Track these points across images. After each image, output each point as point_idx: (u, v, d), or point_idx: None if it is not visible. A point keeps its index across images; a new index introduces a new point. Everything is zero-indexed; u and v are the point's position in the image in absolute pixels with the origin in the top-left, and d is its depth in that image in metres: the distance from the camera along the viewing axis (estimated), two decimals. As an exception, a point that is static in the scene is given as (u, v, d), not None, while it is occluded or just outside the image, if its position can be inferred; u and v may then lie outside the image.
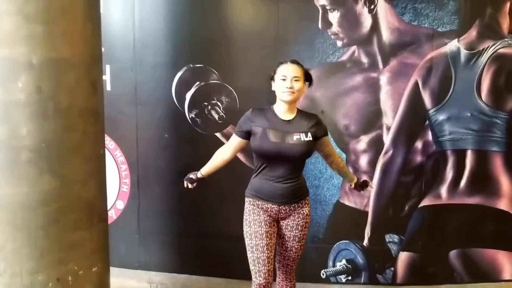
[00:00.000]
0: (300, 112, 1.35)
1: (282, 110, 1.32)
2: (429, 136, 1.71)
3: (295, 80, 1.29)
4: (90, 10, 1.06)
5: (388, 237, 1.77)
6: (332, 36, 1.63)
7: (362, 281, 1.75)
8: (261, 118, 1.33)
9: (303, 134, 1.32)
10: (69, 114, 0.99)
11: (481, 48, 1.65)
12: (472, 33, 1.64)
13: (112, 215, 1.84)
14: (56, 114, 0.97)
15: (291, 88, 1.28)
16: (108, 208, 1.66)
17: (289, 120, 1.33)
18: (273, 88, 1.33)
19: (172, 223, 1.81)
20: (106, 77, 1.72)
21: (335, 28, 1.62)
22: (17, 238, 0.99)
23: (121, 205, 1.85)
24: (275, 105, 1.35)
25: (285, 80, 1.29)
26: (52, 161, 0.97)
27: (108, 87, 1.73)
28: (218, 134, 1.72)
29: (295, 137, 1.30)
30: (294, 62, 1.33)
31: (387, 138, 1.70)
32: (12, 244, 0.97)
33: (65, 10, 0.99)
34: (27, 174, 0.96)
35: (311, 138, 1.33)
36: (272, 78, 1.34)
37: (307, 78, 1.34)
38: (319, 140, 1.37)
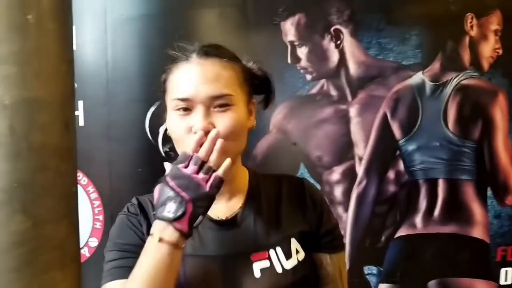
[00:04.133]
0: (257, 185, 0.64)
1: None
2: (401, 166, 1.81)
3: (220, 107, 0.58)
4: (63, 50, 1.14)
5: (366, 269, 1.83)
6: (301, 71, 1.75)
7: (341, 315, 1.80)
8: None
9: (280, 249, 0.58)
10: (42, 153, 1.04)
11: (445, 80, 1.79)
12: (436, 65, 1.78)
13: (86, 253, 1.84)
14: (29, 154, 1.02)
15: (208, 132, 0.57)
16: (81, 246, 1.67)
17: (232, 219, 0.61)
18: (166, 127, 0.68)
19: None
20: (79, 113, 1.78)
21: (303, 63, 1.74)
22: (-13, 282, 1.01)
23: (94, 242, 1.86)
24: None
25: (189, 112, 0.60)
26: (25, 201, 1.00)
27: (81, 122, 1.79)
28: (191, 168, 1.78)
29: (258, 266, 0.57)
30: (206, 53, 0.63)
31: (360, 169, 1.79)
32: (-18, 287, 0.98)
33: (39, 51, 1.07)
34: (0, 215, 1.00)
35: (302, 254, 0.60)
36: (161, 103, 0.66)
37: (255, 86, 0.66)
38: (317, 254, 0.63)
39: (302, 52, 1.74)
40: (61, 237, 1.06)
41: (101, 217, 1.87)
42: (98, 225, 1.88)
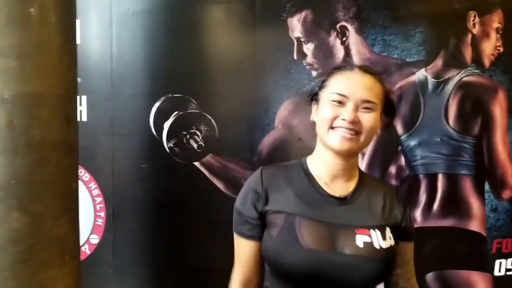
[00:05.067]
0: (364, 179, 0.74)
1: (328, 173, 0.71)
2: (402, 161, 1.72)
3: (365, 109, 0.68)
4: (65, 44, 1.04)
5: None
6: (307, 67, 1.66)
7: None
8: (284, 190, 0.70)
9: (378, 231, 0.67)
10: (42, 148, 0.95)
11: (446, 77, 1.70)
12: (438, 62, 1.69)
13: (86, 250, 1.76)
14: (28, 149, 0.93)
15: (353, 123, 0.67)
16: (82, 243, 1.59)
17: (344, 198, 0.70)
18: (312, 118, 0.74)
19: (150, 257, 1.75)
20: (83, 108, 1.69)
21: (309, 59, 1.65)
22: (-17, 280, 0.92)
23: (95, 239, 1.77)
24: (310, 159, 0.75)
25: (341, 105, 0.68)
26: (23, 198, 0.92)
27: (84, 117, 1.69)
28: (197, 163, 1.68)
29: (362, 238, 0.66)
30: (366, 70, 0.72)
31: (362, 164, 1.71)
32: (-23, 286, 0.91)
33: (40, 44, 0.97)
34: (-4, 212, 0.91)
35: (392, 241, 0.69)
36: (313, 96, 0.74)
37: (388, 107, 0.73)
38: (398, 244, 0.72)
39: (308, 48, 1.64)
40: (60, 233, 0.97)
41: (102, 214, 1.78)
42: (100, 222, 1.79)
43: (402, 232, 0.71)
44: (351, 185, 0.71)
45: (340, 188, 0.70)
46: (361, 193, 0.71)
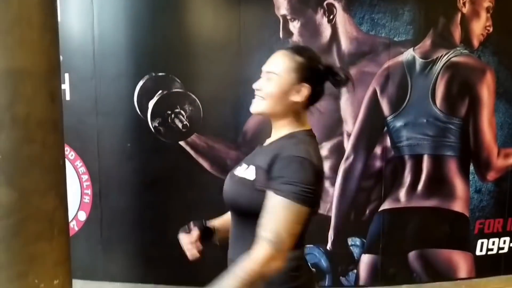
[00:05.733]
0: (285, 137, 0.85)
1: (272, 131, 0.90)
2: (388, 142, 1.78)
3: (267, 78, 0.83)
4: (47, 19, 1.06)
5: (350, 241, 1.83)
6: (294, 45, 1.69)
7: (326, 284, 1.80)
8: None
9: (247, 167, 0.85)
10: (27, 124, 0.98)
11: (435, 57, 1.75)
12: (427, 42, 1.73)
13: (74, 226, 1.81)
14: (13, 125, 0.96)
15: (256, 90, 0.83)
16: (70, 219, 1.64)
17: (264, 145, 0.89)
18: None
19: (136, 233, 1.80)
20: (65, 86, 1.70)
21: (295, 37, 1.67)
22: (-25, 253, 0.97)
23: (83, 216, 1.83)
24: None
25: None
26: (10, 173, 0.96)
27: (67, 96, 1.71)
28: (182, 143, 1.72)
29: (242, 168, 0.86)
30: (287, 47, 0.86)
31: (348, 145, 1.76)
32: (-31, 259, 0.95)
33: (21, 19, 0.99)
34: (-16, 187, 0.95)
35: (250, 176, 0.83)
36: None
37: (310, 77, 0.83)
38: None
39: (295, 26, 1.67)
40: (49, 208, 1.02)
41: (89, 191, 1.82)
42: (87, 199, 1.84)
43: (266, 178, 0.82)
44: (274, 138, 0.87)
45: (269, 141, 0.88)
46: (271, 145, 0.86)
